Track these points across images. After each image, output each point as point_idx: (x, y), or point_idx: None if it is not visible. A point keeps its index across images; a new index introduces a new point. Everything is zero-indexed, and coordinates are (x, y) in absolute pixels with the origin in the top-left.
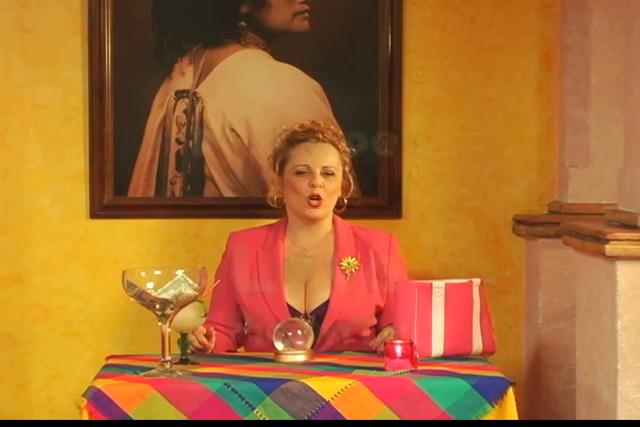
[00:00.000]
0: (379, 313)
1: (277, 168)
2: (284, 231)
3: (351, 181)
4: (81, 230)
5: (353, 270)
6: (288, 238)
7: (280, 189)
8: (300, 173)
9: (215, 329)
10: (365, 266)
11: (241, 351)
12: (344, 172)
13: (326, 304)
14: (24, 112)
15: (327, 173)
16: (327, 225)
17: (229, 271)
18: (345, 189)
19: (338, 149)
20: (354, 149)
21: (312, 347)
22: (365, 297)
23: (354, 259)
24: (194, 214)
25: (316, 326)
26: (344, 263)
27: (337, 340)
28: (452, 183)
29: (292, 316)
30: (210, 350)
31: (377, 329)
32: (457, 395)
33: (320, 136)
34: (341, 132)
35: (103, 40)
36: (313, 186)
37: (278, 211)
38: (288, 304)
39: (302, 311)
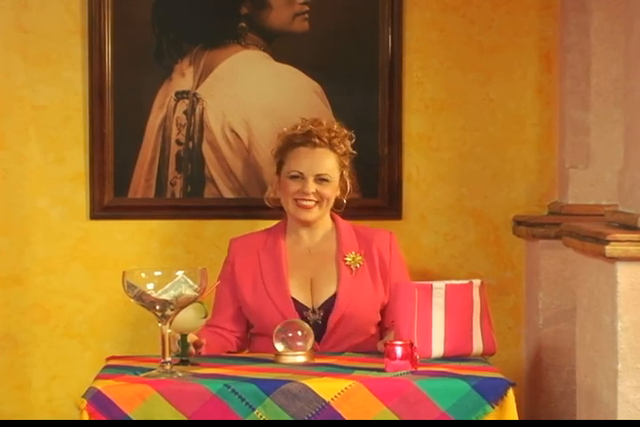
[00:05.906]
0: (382, 310)
1: (276, 167)
2: (285, 232)
3: (348, 183)
4: (81, 231)
5: (357, 265)
6: (290, 238)
7: (276, 189)
8: (293, 177)
9: (214, 332)
10: (369, 262)
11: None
12: (342, 174)
13: (333, 298)
14: (24, 112)
15: (322, 180)
16: (326, 224)
17: (232, 276)
18: (342, 190)
19: (336, 152)
20: (355, 152)
21: (318, 342)
22: (371, 292)
23: (357, 254)
24: (194, 215)
25: (324, 319)
26: (348, 258)
27: (344, 334)
28: (452, 184)
29: (300, 311)
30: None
31: (381, 327)
32: (457, 396)
33: (317, 141)
34: (346, 132)
35: (103, 40)
36: (305, 193)
37: (278, 212)
38: (295, 299)
39: (310, 306)
